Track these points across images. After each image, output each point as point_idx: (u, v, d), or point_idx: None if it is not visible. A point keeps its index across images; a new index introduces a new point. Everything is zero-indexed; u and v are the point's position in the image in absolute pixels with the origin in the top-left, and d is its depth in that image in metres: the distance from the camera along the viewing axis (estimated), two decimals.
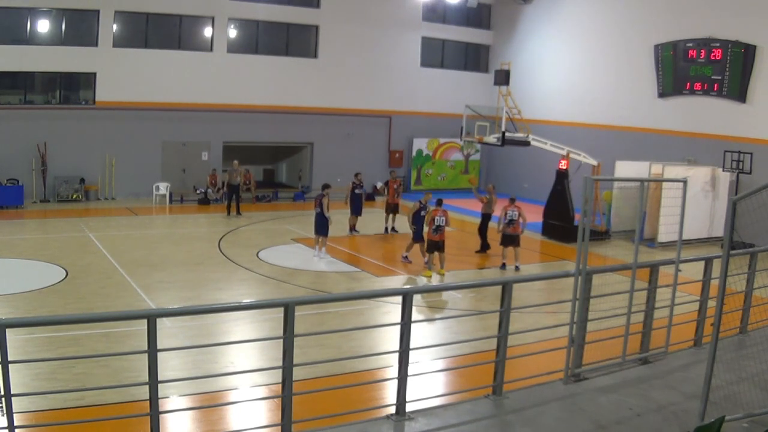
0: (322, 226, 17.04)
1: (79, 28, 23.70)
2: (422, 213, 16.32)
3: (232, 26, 26.26)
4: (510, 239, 16.63)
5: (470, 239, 19.40)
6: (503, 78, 23.77)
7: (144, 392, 5.30)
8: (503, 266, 16.75)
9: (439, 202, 16.18)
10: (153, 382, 5.09)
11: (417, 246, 16.58)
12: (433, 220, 15.68)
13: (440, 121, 29.12)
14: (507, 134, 22.17)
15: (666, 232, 17.64)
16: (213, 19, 25.61)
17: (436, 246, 15.76)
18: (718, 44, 21.67)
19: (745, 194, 5.94)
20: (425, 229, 16.07)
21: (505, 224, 16.66)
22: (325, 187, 17.52)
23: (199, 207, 24.67)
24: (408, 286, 13.68)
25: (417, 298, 13.17)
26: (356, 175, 20.87)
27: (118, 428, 7.38)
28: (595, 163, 21.14)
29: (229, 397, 8.70)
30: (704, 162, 21.24)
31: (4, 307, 11.99)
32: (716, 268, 6.83)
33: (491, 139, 22.97)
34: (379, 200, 26.42)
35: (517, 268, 16.61)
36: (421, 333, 11.06)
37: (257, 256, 17.08)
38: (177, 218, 22.91)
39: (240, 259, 16.66)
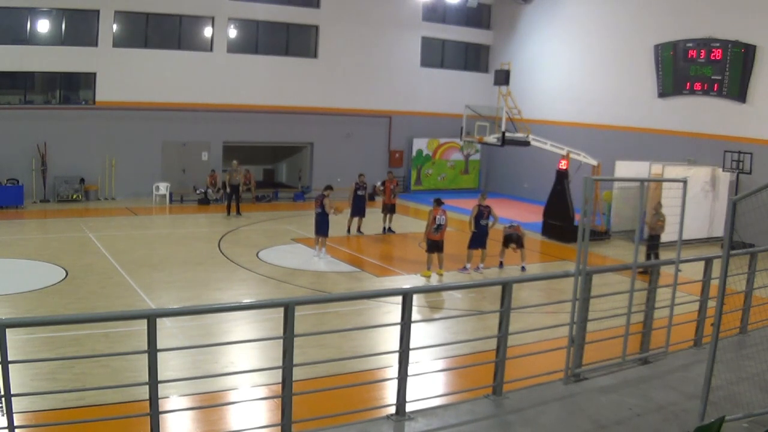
0: (322, 226, 17.09)
1: (79, 28, 23.70)
2: (481, 221, 16.38)
3: (232, 26, 26.24)
4: (511, 239, 16.80)
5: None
6: (503, 78, 23.76)
7: (144, 392, 5.29)
8: (501, 265, 16.80)
9: (439, 202, 16.17)
10: (153, 382, 5.09)
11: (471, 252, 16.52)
12: (434, 219, 15.71)
13: (440, 121, 29.13)
14: (507, 134, 22.17)
15: (666, 232, 17.63)
16: (213, 19, 25.61)
17: (437, 246, 15.76)
18: (718, 44, 21.66)
19: (745, 194, 5.94)
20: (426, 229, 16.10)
21: (507, 226, 17.20)
22: (328, 188, 17.64)
23: (199, 207, 24.66)
24: (408, 286, 13.67)
25: (417, 298, 13.22)
26: (360, 176, 20.85)
27: (118, 428, 7.37)
28: (595, 163, 21.14)
29: (229, 397, 8.69)
30: (704, 162, 21.23)
31: (4, 307, 11.98)
32: (716, 268, 6.83)
33: (491, 139, 22.97)
34: (380, 200, 26.36)
35: (523, 269, 16.66)
36: (421, 333, 11.07)
37: (257, 256, 17.08)
38: (177, 218, 22.90)
39: (240, 259, 16.66)
